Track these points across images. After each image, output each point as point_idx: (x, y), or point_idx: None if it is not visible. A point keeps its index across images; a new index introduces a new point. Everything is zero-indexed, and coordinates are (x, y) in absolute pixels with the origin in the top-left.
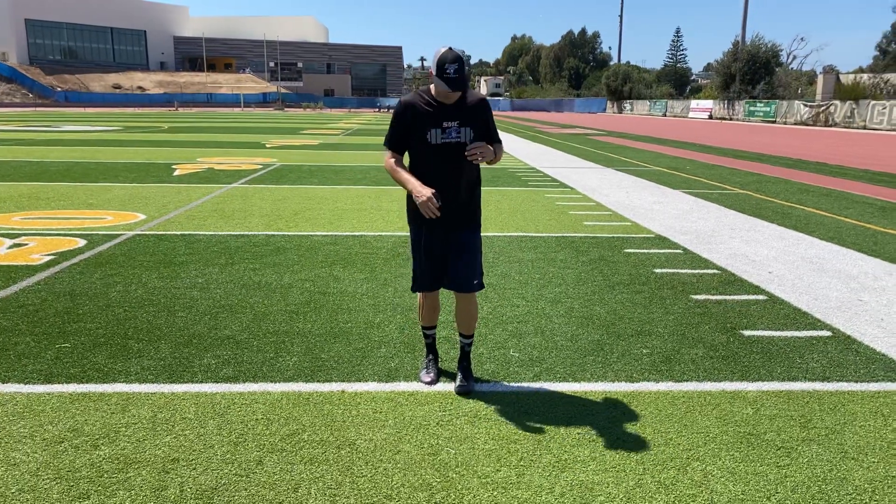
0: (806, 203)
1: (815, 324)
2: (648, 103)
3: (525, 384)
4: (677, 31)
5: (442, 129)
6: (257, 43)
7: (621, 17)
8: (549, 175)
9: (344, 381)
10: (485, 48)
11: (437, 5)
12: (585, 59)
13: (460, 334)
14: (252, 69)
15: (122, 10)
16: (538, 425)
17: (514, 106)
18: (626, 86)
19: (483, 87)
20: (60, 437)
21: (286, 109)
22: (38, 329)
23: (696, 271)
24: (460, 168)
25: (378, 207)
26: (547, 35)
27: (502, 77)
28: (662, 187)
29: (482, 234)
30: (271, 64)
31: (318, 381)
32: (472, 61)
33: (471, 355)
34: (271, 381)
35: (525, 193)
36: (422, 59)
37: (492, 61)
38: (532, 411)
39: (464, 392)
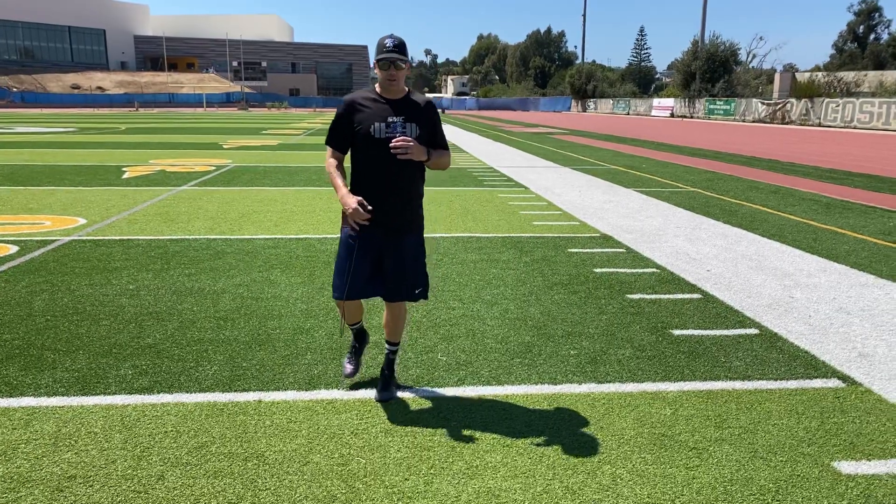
0: (753, 200)
1: (745, 322)
2: (612, 102)
3: (448, 389)
4: (641, 31)
5: (386, 123)
6: (220, 42)
7: (584, 16)
8: (505, 175)
9: (263, 390)
10: (451, 48)
11: (403, 4)
12: (551, 58)
13: (387, 341)
14: (215, 69)
15: (81, 9)
16: (455, 431)
17: (480, 105)
18: (590, 84)
19: (450, 87)
20: None
21: (250, 109)
22: None
23: (636, 270)
24: (403, 166)
25: (328, 209)
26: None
27: (468, 76)
28: (615, 186)
29: (429, 235)
30: (234, 63)
31: (236, 390)
32: (439, 60)
33: (395, 362)
34: (186, 392)
35: (479, 193)
36: None
37: (458, 60)
38: (451, 417)
39: (384, 399)
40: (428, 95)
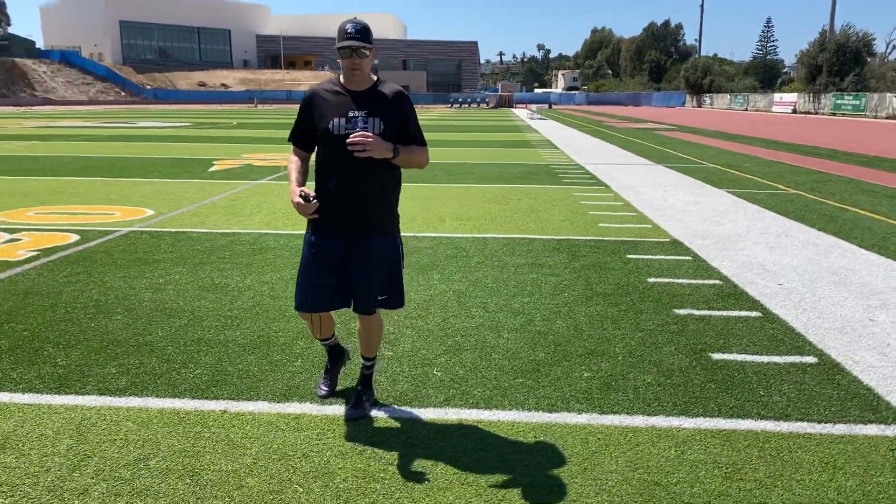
0: (861, 205)
1: (804, 347)
2: (729, 97)
3: (429, 410)
4: (768, 22)
5: (347, 118)
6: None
7: (702, 6)
8: (590, 172)
9: (235, 398)
10: (564, 42)
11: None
12: (668, 51)
13: (362, 356)
14: (330, 66)
15: (209, 11)
16: (415, 461)
17: (589, 100)
18: (707, 79)
19: (560, 81)
20: None
21: None
22: None
23: (694, 282)
24: (367, 164)
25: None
26: (628, 28)
27: (579, 71)
28: (707, 186)
29: (480, 236)
30: None
31: (207, 398)
32: (552, 55)
33: (372, 378)
34: (157, 396)
35: (552, 191)
36: (500, 54)
37: (571, 55)
38: (419, 443)
39: (352, 418)
40: (398, 86)
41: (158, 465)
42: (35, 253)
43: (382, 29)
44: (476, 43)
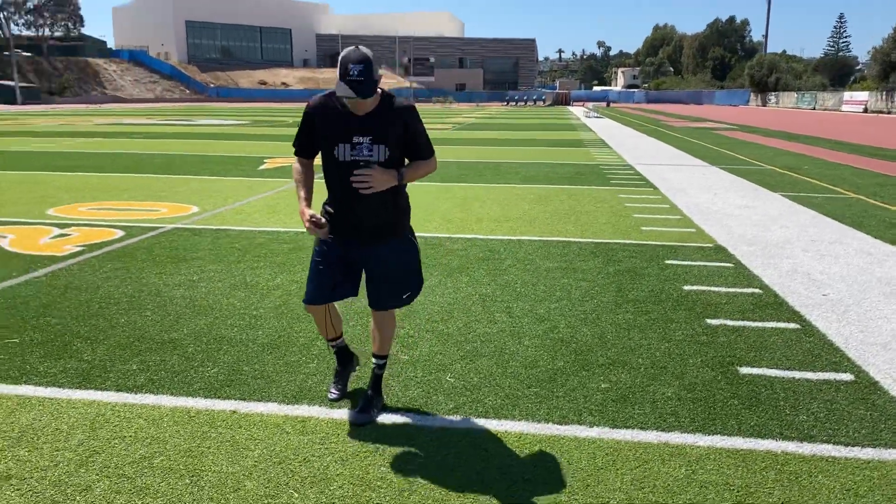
0: None
1: (841, 364)
2: (796, 95)
3: (437, 418)
4: (840, 17)
5: (352, 144)
6: (392, 39)
7: (769, 1)
8: (639, 172)
9: (246, 399)
10: (625, 39)
11: None
12: (732, 48)
13: (373, 354)
14: (387, 65)
15: (271, 10)
16: (414, 470)
17: (648, 98)
18: (772, 77)
19: (620, 79)
20: None
21: (416, 104)
22: (5, 321)
23: (733, 290)
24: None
25: (430, 207)
26: (691, 24)
27: (639, 68)
28: (760, 189)
29: (515, 238)
30: (405, 59)
31: (220, 397)
32: (612, 52)
33: (382, 379)
34: (172, 395)
35: (597, 192)
36: (559, 52)
37: (632, 52)
38: (421, 452)
39: (358, 423)
40: (409, 101)
41: (162, 464)
42: (80, 248)
43: (440, 27)
44: (534, 41)
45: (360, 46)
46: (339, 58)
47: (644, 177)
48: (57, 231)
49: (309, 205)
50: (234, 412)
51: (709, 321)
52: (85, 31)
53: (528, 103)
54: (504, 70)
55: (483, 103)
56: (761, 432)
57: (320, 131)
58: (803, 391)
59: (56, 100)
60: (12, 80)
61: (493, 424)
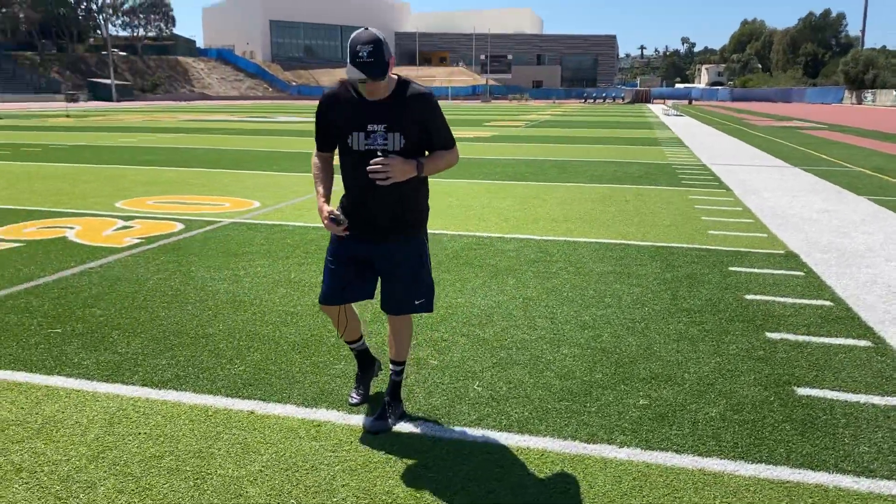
0: None
1: None
2: (895, 93)
3: (457, 428)
4: None
5: (366, 133)
6: (470, 36)
7: None
8: (714, 173)
9: (266, 399)
10: (710, 35)
11: None
12: (826, 44)
13: (390, 360)
14: (465, 62)
15: (351, 9)
16: (423, 484)
17: (733, 96)
18: (869, 73)
19: (703, 76)
20: None
21: (492, 101)
22: (53, 311)
23: (800, 301)
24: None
25: (487, 205)
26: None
27: (724, 65)
28: (844, 192)
29: (571, 239)
30: (482, 57)
31: (241, 396)
32: (696, 49)
33: (401, 387)
34: (194, 391)
35: (666, 193)
36: (641, 48)
37: (718, 49)
38: (433, 465)
39: (373, 431)
40: (425, 88)
41: (169, 464)
42: (139, 241)
43: (520, 24)
44: (614, 37)
45: (370, 28)
46: (349, 42)
47: (718, 177)
48: (121, 223)
49: (327, 201)
50: (252, 413)
51: (768, 335)
52: (176, 31)
53: (607, 101)
54: (583, 67)
55: (559, 100)
56: (813, 463)
57: (334, 122)
58: (867, 418)
59: (148, 97)
60: (109, 78)
61: (514, 439)
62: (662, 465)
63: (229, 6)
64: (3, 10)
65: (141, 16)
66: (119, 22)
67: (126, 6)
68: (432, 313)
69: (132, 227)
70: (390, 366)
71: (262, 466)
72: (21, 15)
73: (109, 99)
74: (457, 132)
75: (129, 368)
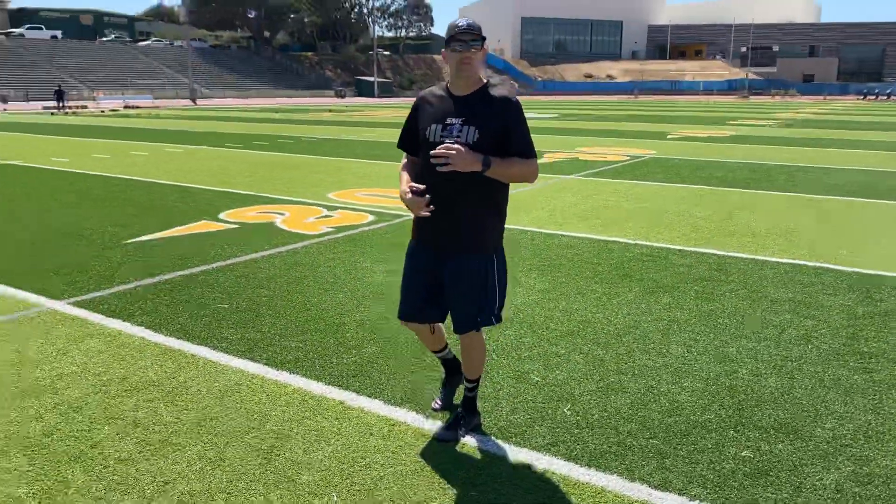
0: None
1: None
2: None
3: (523, 451)
4: None
5: (443, 125)
6: (730, 27)
7: None
8: None
9: (359, 392)
10: None
11: None
12: None
13: (463, 377)
14: (722, 55)
15: (605, 3)
16: (462, 500)
17: None
18: None
19: None
20: (106, 380)
21: (749, 97)
22: (231, 288)
23: None
24: (461, 175)
25: (685, 212)
26: None
27: None
28: None
29: (747, 256)
30: (742, 49)
31: (340, 386)
32: None
33: (476, 401)
34: (303, 376)
35: (877, 206)
36: None
37: None
38: (480, 484)
39: (441, 439)
40: (511, 91)
41: (250, 440)
42: (331, 229)
43: (791, 12)
44: None
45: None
46: (446, 30)
47: None
48: (324, 212)
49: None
50: (342, 403)
51: None
52: (434, 30)
53: (891, 97)
54: (866, 59)
55: (831, 96)
56: None
57: (420, 118)
58: None
59: (405, 93)
60: (372, 75)
61: (577, 472)
62: None
63: (484, 4)
64: (293, 15)
65: (404, 17)
66: (385, 24)
67: (392, 8)
68: (553, 329)
69: (332, 216)
70: (464, 381)
71: (325, 456)
72: (306, 19)
73: (371, 95)
74: (689, 131)
75: (263, 347)
